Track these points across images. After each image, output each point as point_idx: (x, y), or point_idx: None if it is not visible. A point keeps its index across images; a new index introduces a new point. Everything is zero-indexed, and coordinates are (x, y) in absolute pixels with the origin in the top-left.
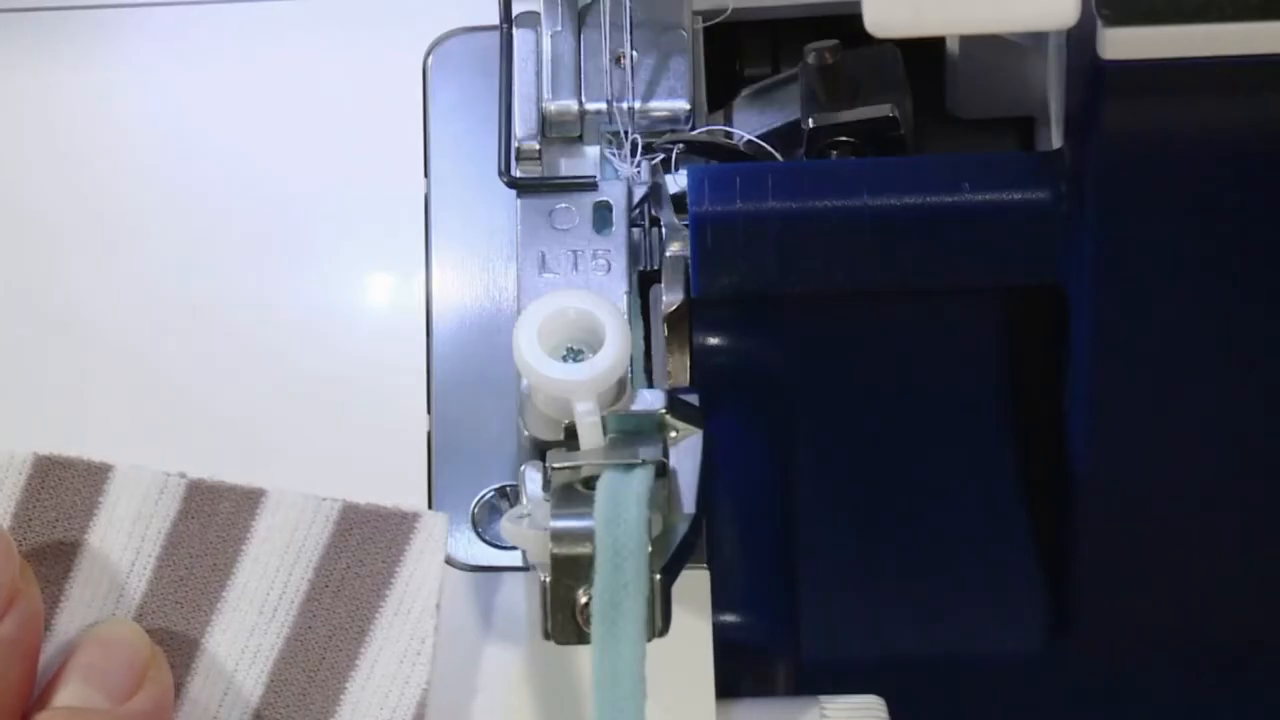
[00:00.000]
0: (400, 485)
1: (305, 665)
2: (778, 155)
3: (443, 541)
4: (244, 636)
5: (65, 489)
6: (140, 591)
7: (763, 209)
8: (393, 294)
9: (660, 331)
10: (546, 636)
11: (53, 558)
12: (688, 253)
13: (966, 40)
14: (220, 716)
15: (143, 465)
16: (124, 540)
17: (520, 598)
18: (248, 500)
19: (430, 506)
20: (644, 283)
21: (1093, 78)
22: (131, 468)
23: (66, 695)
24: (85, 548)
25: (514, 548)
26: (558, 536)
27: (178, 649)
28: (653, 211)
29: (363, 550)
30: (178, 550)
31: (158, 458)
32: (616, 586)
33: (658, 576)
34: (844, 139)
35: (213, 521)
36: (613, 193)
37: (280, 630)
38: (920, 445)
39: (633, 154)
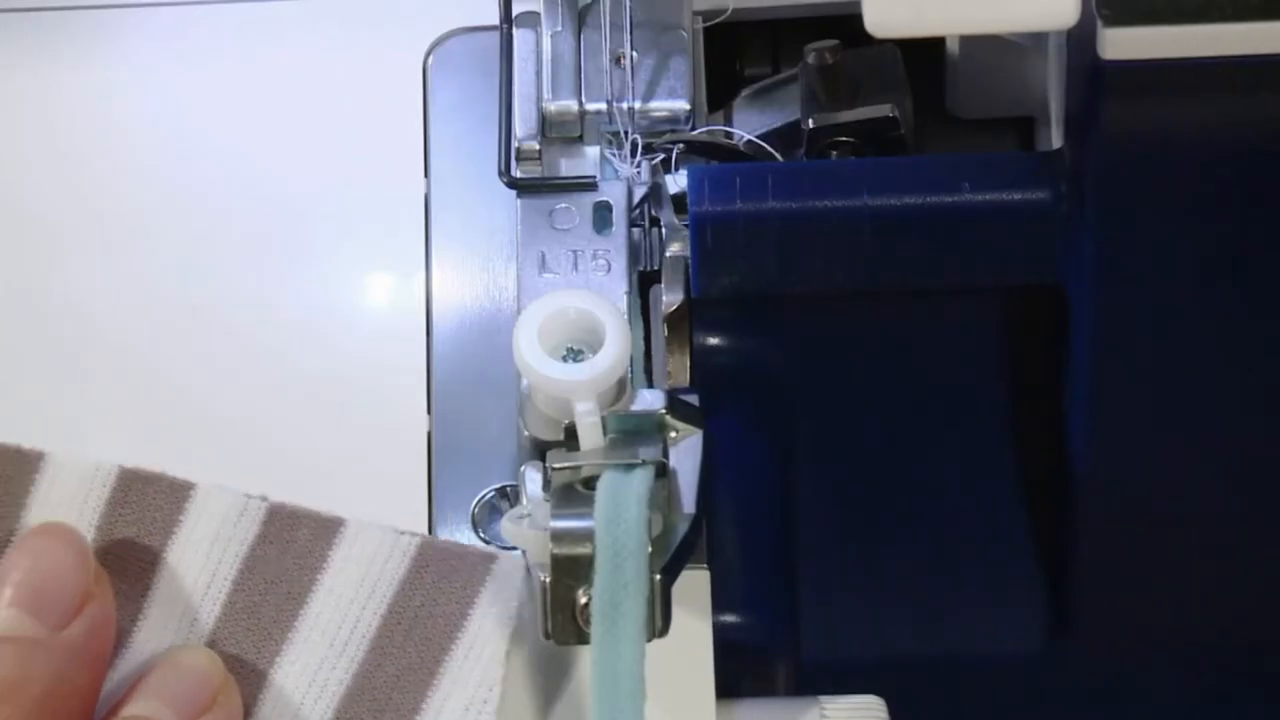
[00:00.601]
0: (400, 486)
1: (372, 704)
2: (778, 155)
3: (519, 586)
4: (313, 669)
5: (147, 504)
6: (214, 615)
7: (763, 209)
8: (393, 294)
9: (660, 331)
10: (546, 636)
11: (132, 574)
12: (688, 253)
13: (966, 40)
14: None
15: (225, 485)
16: (201, 561)
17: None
18: (326, 529)
19: (430, 507)
20: (644, 283)
21: (1093, 78)
22: (214, 487)
23: (135, 709)
24: (163, 566)
25: (514, 548)
26: (558, 536)
27: (247, 676)
28: (653, 211)
29: (437, 589)
30: (253, 575)
31: (158, 458)
32: (616, 586)
33: (658, 576)
34: (844, 139)
35: (290, 549)
36: (613, 193)
37: (349, 665)
38: (920, 445)
39: (633, 154)
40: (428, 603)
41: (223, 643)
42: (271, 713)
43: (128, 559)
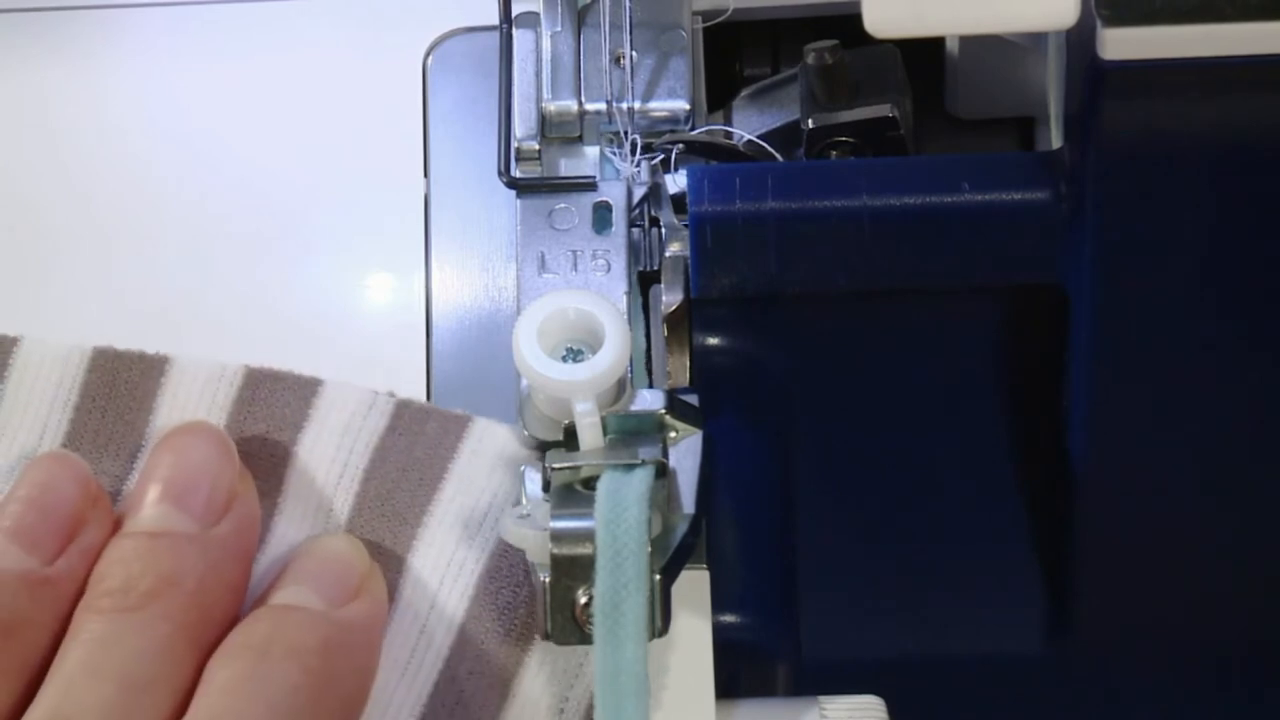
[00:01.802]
0: None
1: (510, 580)
2: (778, 155)
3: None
4: (449, 552)
5: (275, 401)
6: (348, 505)
7: (763, 209)
8: (393, 294)
9: (660, 331)
10: (546, 637)
11: (264, 469)
12: (687, 253)
13: (966, 40)
14: (428, 629)
15: (352, 383)
16: (332, 453)
17: None
18: (455, 422)
19: None
20: (644, 283)
21: (1092, 78)
22: (342, 383)
23: (283, 596)
24: (295, 460)
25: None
26: (557, 537)
27: (386, 562)
28: (652, 211)
29: None
30: (384, 465)
31: None
32: (617, 586)
33: (657, 576)
34: (844, 139)
35: (419, 440)
36: (612, 193)
37: (484, 546)
38: (920, 445)
39: (632, 154)
40: None
41: (358, 531)
42: (412, 596)
43: (259, 455)
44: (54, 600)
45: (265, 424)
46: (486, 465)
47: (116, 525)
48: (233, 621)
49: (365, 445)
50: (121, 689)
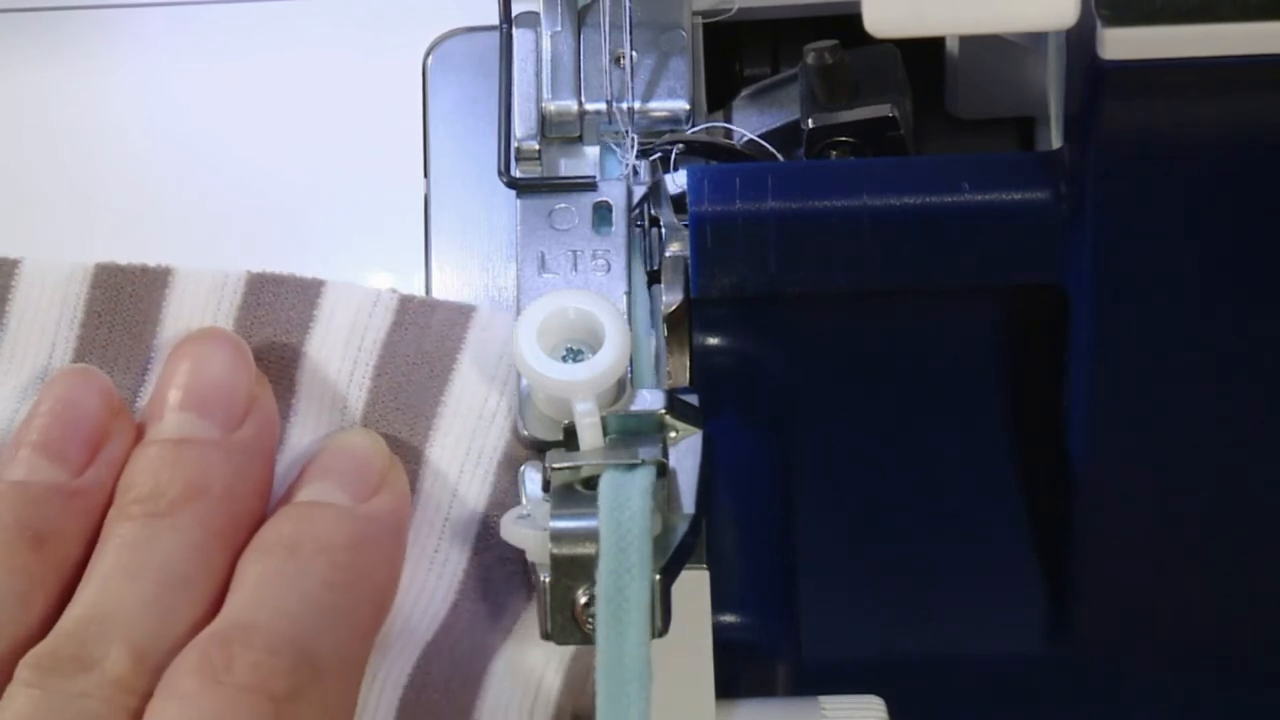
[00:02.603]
0: None
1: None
2: (778, 155)
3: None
4: (466, 440)
5: (280, 304)
6: (361, 401)
7: (762, 209)
8: None
9: (660, 331)
10: (546, 637)
11: (276, 372)
12: (687, 253)
13: (966, 40)
14: (451, 518)
15: (355, 283)
16: (341, 351)
17: None
18: (460, 313)
19: None
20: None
21: (1092, 78)
22: (344, 283)
23: (308, 493)
24: (305, 360)
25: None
26: (557, 537)
27: (404, 455)
28: (652, 211)
29: None
30: (394, 359)
31: None
32: (621, 583)
33: (657, 576)
34: (844, 139)
35: (426, 333)
36: (612, 193)
37: (501, 433)
38: (920, 445)
39: (633, 154)
40: None
41: (374, 427)
42: (432, 488)
43: (268, 359)
44: (84, 511)
45: (272, 328)
46: (495, 353)
47: (139, 435)
48: (260, 522)
49: (373, 341)
50: (159, 587)
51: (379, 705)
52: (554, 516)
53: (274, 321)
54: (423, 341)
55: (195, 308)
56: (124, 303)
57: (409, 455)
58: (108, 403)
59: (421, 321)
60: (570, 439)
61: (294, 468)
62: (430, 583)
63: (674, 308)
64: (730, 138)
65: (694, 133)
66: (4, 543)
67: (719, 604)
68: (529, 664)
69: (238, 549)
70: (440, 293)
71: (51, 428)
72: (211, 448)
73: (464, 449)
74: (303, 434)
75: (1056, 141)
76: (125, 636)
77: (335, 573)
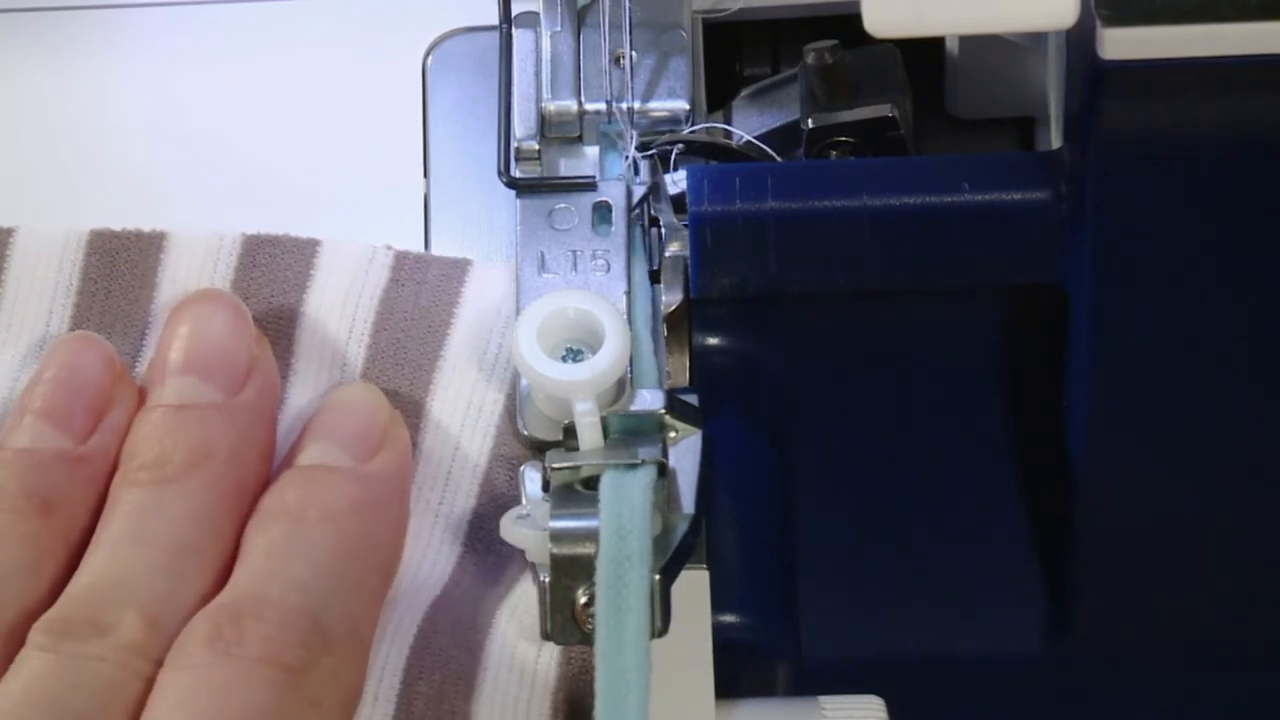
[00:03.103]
0: None
1: None
2: (777, 155)
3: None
4: (467, 394)
5: (276, 264)
6: (361, 358)
7: (762, 209)
8: None
9: (660, 331)
10: (546, 637)
11: (274, 332)
12: (687, 253)
13: (966, 40)
14: (454, 474)
15: (350, 240)
16: (339, 309)
17: None
18: (456, 269)
19: None
20: None
21: (1092, 78)
22: (339, 241)
23: (310, 455)
24: (303, 319)
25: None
26: (557, 537)
27: (405, 410)
28: (652, 211)
29: None
30: (392, 316)
31: None
32: (622, 582)
33: (657, 577)
34: (844, 139)
35: (423, 289)
36: (612, 193)
37: (500, 386)
38: (920, 445)
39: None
40: None
41: (374, 382)
42: (434, 442)
43: (267, 319)
44: (90, 478)
45: (269, 288)
46: (493, 306)
47: (141, 400)
48: (264, 485)
49: (371, 299)
50: (168, 553)
51: (388, 657)
52: (554, 516)
53: (271, 282)
54: (420, 297)
55: (192, 271)
56: (120, 268)
57: (410, 410)
58: (110, 369)
59: (418, 277)
60: (570, 439)
61: (295, 427)
62: (437, 536)
63: (674, 308)
64: (730, 138)
65: (693, 133)
66: (12, 509)
67: (719, 604)
68: (535, 610)
69: (244, 513)
70: None
71: (55, 394)
72: (214, 412)
73: (465, 402)
74: (303, 393)
75: (1056, 141)
76: (137, 602)
77: (341, 540)
